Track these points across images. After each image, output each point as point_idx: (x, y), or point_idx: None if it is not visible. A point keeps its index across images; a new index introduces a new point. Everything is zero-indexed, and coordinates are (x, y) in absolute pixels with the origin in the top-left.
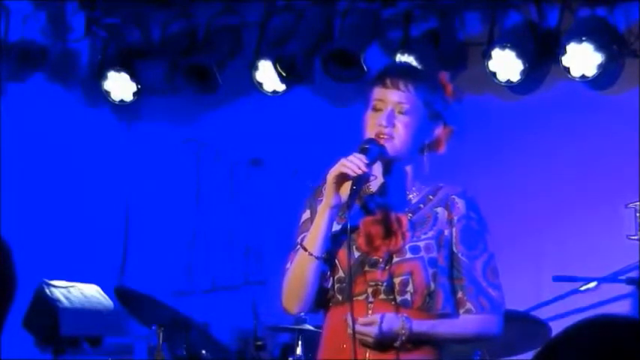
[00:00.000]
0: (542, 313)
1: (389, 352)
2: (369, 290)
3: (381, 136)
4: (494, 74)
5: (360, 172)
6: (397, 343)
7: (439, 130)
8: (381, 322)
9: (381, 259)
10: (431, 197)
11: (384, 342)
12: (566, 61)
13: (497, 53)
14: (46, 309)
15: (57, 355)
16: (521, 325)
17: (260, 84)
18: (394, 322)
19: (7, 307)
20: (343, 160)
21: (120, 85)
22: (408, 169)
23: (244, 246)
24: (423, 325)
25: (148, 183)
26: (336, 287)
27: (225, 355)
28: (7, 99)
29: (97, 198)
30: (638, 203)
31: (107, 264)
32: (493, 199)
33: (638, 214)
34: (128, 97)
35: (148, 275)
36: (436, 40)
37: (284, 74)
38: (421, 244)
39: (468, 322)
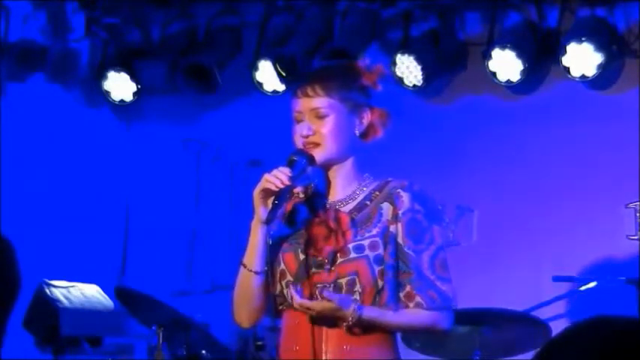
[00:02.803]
0: (542, 313)
1: (344, 348)
2: (317, 292)
3: (307, 146)
4: (494, 74)
5: (282, 186)
6: (344, 324)
7: (367, 118)
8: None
9: (326, 260)
10: (377, 193)
11: (329, 316)
12: (566, 61)
13: (497, 53)
14: (46, 309)
15: (57, 355)
16: (521, 325)
17: (260, 84)
18: (347, 302)
19: (11, 307)
20: (266, 175)
21: (120, 85)
22: (348, 165)
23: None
24: (373, 312)
25: (148, 183)
26: (285, 292)
27: (225, 355)
28: (7, 99)
29: (96, 198)
30: (638, 203)
31: (107, 264)
32: (493, 199)
33: (638, 214)
34: (128, 97)
35: (148, 275)
36: (436, 40)
37: (284, 74)
38: (365, 242)
39: (418, 314)
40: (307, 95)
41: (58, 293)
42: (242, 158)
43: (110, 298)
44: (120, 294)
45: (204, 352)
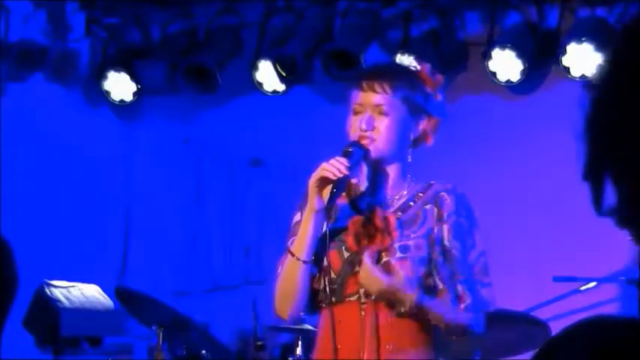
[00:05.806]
0: (542, 313)
1: (386, 347)
2: (361, 291)
3: (363, 140)
4: (494, 74)
5: (340, 175)
6: (403, 309)
7: (423, 124)
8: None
9: None
10: (421, 195)
11: (391, 296)
12: (566, 61)
13: (497, 53)
14: (46, 309)
15: (57, 355)
16: (521, 325)
17: (260, 84)
18: (412, 284)
19: (8, 307)
20: (324, 164)
21: (120, 85)
22: (396, 167)
23: (244, 246)
24: (430, 302)
25: (148, 183)
26: (328, 289)
27: (225, 355)
28: (7, 99)
29: (97, 198)
30: None
31: (107, 264)
32: (493, 199)
33: None
34: (128, 97)
35: (148, 275)
36: (436, 40)
37: (284, 74)
38: (411, 242)
39: (462, 314)
40: (374, 90)
41: (58, 293)
42: (242, 158)
43: (110, 298)
44: (120, 294)
45: (204, 352)
